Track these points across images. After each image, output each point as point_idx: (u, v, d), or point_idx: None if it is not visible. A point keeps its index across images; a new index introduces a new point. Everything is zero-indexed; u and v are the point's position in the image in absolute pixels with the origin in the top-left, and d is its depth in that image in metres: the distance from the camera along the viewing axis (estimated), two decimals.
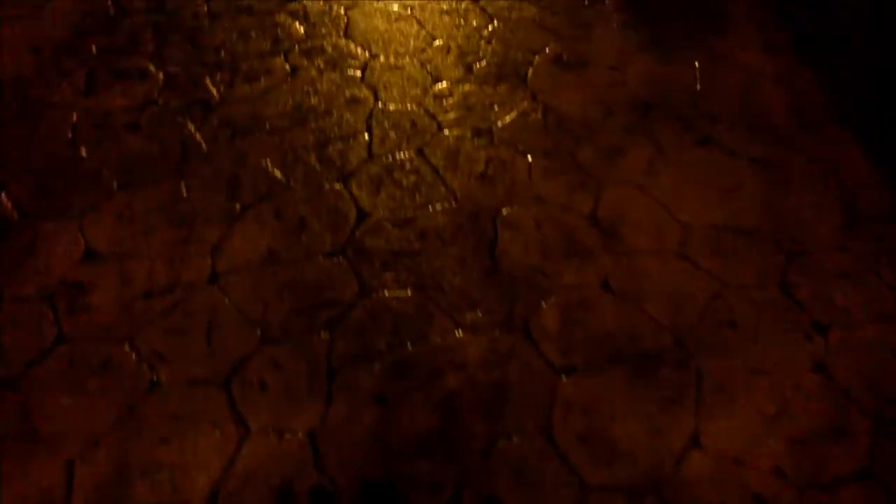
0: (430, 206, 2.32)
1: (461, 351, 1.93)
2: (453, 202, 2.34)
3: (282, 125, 2.58)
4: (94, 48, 2.87)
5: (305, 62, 2.86)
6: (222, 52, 2.88)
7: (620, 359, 1.94)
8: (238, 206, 2.28)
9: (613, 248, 2.23)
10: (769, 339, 2.01)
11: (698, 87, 2.86)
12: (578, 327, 2.00)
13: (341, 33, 3.02)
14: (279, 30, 3.03)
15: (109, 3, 3.09)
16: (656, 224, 2.31)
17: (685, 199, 2.39)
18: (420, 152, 2.50)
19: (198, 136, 2.50)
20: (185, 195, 2.30)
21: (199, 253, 2.13)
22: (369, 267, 2.13)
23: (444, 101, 2.71)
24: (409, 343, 1.93)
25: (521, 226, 2.27)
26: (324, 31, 3.03)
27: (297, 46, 2.95)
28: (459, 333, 1.96)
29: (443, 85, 2.79)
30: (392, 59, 2.89)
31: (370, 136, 2.55)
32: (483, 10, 3.20)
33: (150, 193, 2.30)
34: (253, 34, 3.00)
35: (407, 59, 2.91)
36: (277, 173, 2.39)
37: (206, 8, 3.12)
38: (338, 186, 2.36)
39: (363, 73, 2.82)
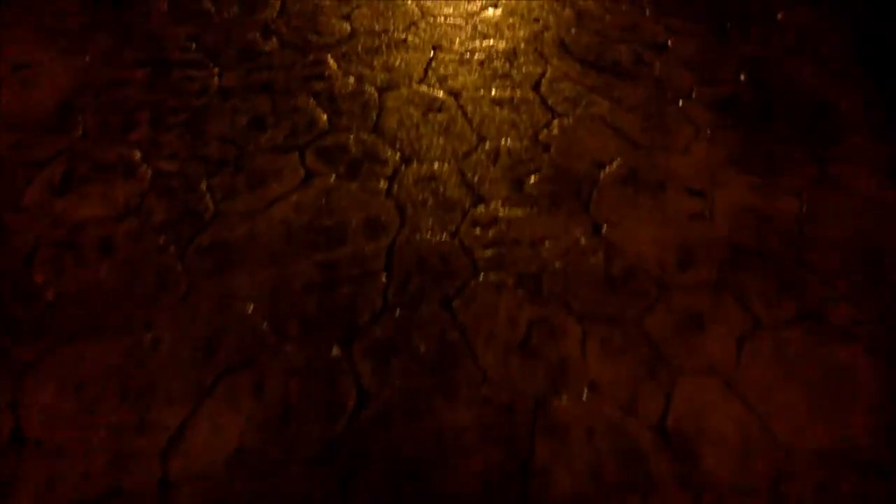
0: (453, 390, 1.80)
1: None
2: (483, 386, 1.82)
3: (282, 253, 2.09)
4: (80, 129, 2.43)
5: (324, 165, 2.37)
6: (227, 144, 2.41)
7: None
8: (211, 376, 1.80)
9: (686, 478, 1.67)
10: None
11: (804, 228, 2.27)
12: None
13: (370, 125, 2.53)
14: (298, 117, 2.55)
15: (108, 70, 2.65)
16: (745, 443, 1.75)
17: (784, 405, 1.82)
18: (447, 305, 1.99)
19: (179, 266, 2.04)
20: (148, 353, 1.83)
21: (150, 447, 1.66)
22: (363, 489, 1.62)
23: (486, 231, 2.19)
24: None
25: (568, 433, 1.74)
26: (350, 121, 2.54)
27: (316, 141, 2.46)
28: None
29: (486, 208, 2.26)
30: (427, 167, 2.38)
31: (389, 276, 2.05)
32: (544, 101, 2.66)
33: (107, 348, 1.84)
34: (268, 120, 2.52)
35: (446, 166, 2.39)
36: (266, 326, 1.91)
37: (216, 80, 2.66)
38: (337, 352, 1.86)
39: (391, 184, 2.32)
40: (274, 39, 2.86)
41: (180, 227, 2.15)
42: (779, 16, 3.13)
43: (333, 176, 2.34)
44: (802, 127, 2.62)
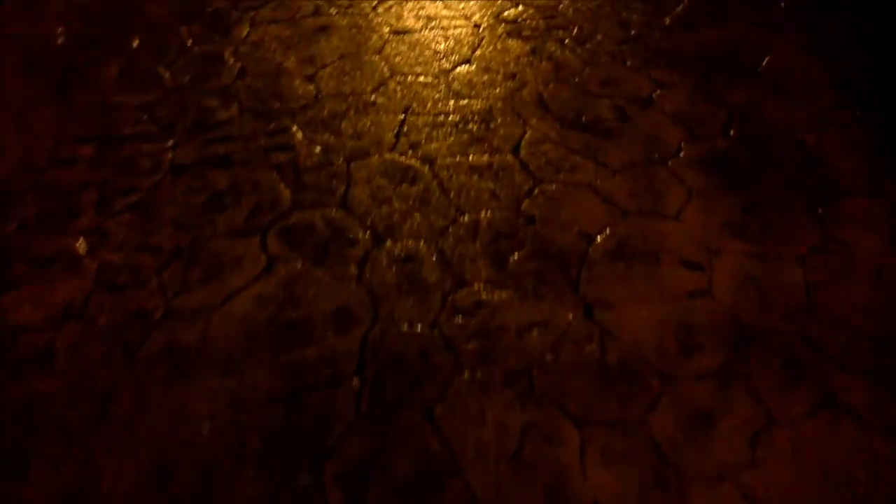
0: None
1: None
2: None
3: (242, 357, 1.87)
4: (18, 217, 2.20)
5: (287, 249, 2.16)
6: (181, 230, 2.20)
7: None
8: None
9: None
10: None
11: (811, 302, 2.10)
12: None
13: (338, 200, 2.33)
14: (260, 194, 2.34)
15: (52, 147, 2.43)
16: None
17: None
18: (428, 413, 1.78)
19: (125, 378, 1.81)
20: (90, 490, 1.59)
21: None
22: None
23: (468, 319, 1.99)
24: None
25: None
26: (316, 197, 2.34)
27: (279, 221, 2.25)
28: None
29: (467, 291, 2.06)
30: (401, 246, 2.18)
31: (362, 380, 1.83)
32: (525, 166, 2.48)
33: (41, 486, 1.60)
34: (226, 199, 2.31)
35: (422, 244, 2.19)
36: (224, 449, 1.68)
37: (170, 155, 2.45)
38: (305, 480, 1.63)
39: (362, 267, 2.12)
40: (233, 106, 2.66)
41: (128, 332, 1.92)
42: (764, 61, 2.99)
43: (299, 262, 2.13)
44: (799, 185, 2.46)
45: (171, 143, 2.50)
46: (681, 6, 3.31)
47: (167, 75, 2.81)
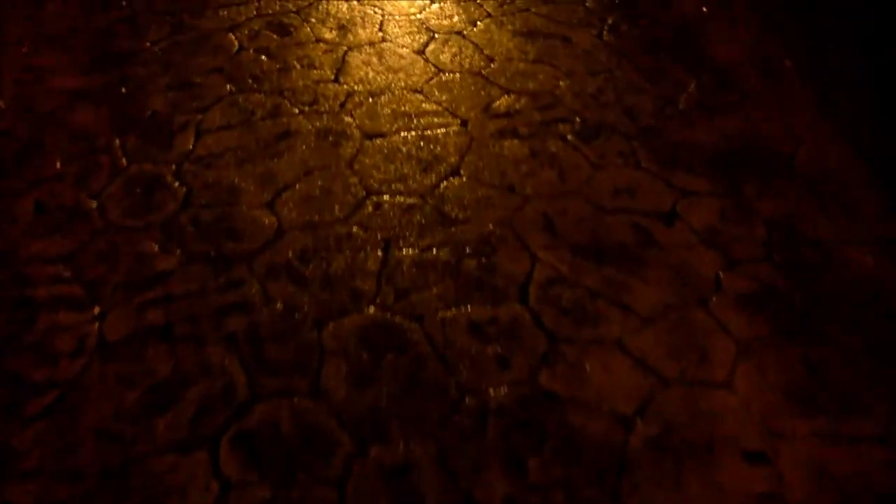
0: None
1: None
2: None
3: None
4: None
5: (246, 467, 1.70)
6: (110, 444, 1.71)
7: None
8: None
9: None
10: None
11: None
12: None
13: (308, 385, 1.87)
14: (209, 381, 1.87)
15: None
16: None
17: None
18: None
19: None
20: None
21: None
22: None
23: None
24: None
25: None
26: (281, 381, 1.88)
27: (234, 422, 1.77)
28: None
29: None
30: (392, 452, 1.76)
31: None
32: (536, 319, 2.04)
33: None
34: (168, 392, 1.83)
35: (419, 446, 1.74)
36: None
37: (97, 328, 1.95)
38: None
39: (342, 490, 1.65)
40: (176, 251, 2.18)
41: None
42: (795, 157, 2.59)
43: (263, 488, 1.65)
44: (864, 328, 2.05)
45: (97, 310, 2.01)
46: (693, 84, 2.90)
47: (95, 209, 2.31)
